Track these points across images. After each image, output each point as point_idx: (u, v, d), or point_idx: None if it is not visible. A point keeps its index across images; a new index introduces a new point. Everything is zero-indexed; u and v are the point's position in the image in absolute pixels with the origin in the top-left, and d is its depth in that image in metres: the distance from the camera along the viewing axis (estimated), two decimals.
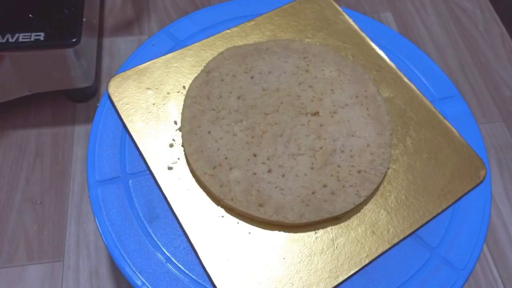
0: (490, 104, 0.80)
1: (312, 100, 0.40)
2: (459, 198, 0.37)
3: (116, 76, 0.42)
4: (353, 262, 0.34)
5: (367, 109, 0.40)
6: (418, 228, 0.36)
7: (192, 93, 0.40)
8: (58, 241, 0.60)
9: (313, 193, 0.35)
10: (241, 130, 0.38)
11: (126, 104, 0.40)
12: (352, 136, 0.38)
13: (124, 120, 0.39)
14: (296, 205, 0.34)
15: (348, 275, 0.33)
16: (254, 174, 0.36)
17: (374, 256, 0.34)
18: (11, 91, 0.62)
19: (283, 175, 0.36)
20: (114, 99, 0.40)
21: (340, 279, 0.33)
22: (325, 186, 0.36)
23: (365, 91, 0.41)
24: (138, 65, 0.43)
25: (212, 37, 0.45)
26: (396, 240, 0.35)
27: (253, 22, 0.47)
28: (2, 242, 0.60)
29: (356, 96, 0.40)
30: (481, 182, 0.38)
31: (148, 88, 0.41)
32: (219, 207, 0.35)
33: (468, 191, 0.38)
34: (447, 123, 0.41)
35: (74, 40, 0.56)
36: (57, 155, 0.67)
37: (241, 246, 0.34)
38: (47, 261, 0.59)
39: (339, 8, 0.48)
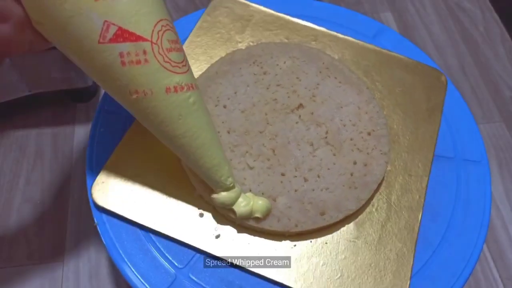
0: (490, 104, 0.81)
1: (288, 97, 0.39)
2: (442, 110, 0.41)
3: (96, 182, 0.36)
4: (412, 211, 0.36)
5: (335, 77, 0.40)
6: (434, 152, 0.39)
7: None
8: (58, 241, 0.60)
9: (351, 174, 0.36)
10: (254, 161, 0.36)
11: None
12: (341, 107, 0.39)
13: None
14: (348, 194, 0.35)
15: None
16: (296, 190, 0.35)
17: (423, 192, 0.37)
18: (11, 91, 0.62)
19: (318, 176, 0.35)
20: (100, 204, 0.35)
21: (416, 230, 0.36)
22: (355, 163, 0.36)
23: (323, 63, 0.41)
24: None
25: None
26: (428, 172, 0.38)
27: None
28: (2, 242, 0.59)
29: (320, 72, 0.41)
30: (446, 87, 0.42)
31: None
32: (284, 240, 0.34)
33: (443, 100, 0.42)
34: (393, 53, 0.44)
35: None
36: (57, 155, 0.67)
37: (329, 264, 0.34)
38: (47, 261, 0.59)
39: (246, 2, 0.46)
